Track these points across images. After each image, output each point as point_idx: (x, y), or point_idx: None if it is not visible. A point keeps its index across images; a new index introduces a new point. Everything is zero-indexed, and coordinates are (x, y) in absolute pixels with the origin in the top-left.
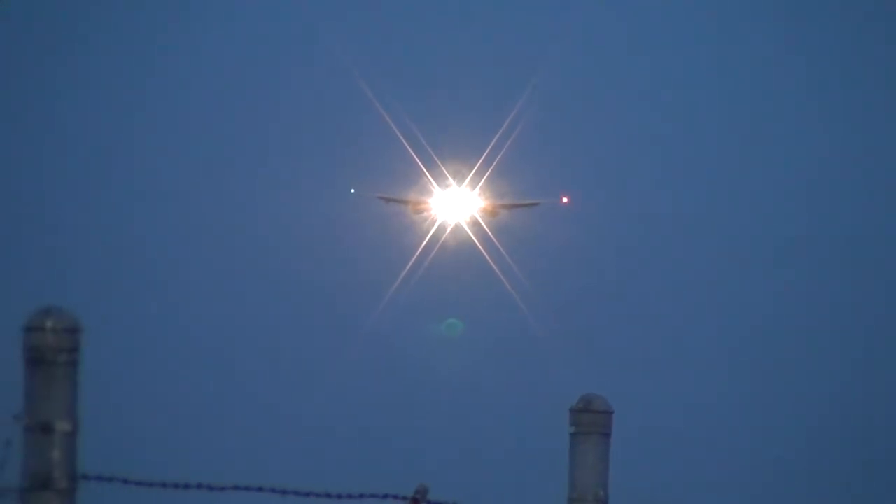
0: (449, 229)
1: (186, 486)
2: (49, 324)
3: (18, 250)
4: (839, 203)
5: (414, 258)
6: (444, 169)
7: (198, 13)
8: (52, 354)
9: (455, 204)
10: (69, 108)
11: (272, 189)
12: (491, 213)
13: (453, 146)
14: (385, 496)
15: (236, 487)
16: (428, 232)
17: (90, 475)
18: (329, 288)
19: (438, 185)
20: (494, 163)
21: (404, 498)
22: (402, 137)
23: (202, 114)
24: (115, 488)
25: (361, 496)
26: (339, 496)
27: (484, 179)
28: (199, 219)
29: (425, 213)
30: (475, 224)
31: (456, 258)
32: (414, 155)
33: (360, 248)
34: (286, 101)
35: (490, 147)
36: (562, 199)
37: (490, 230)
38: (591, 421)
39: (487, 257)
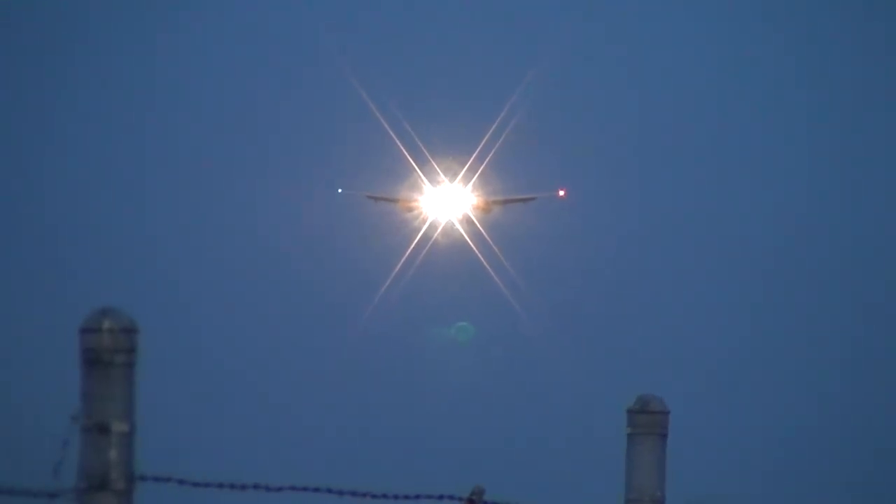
0: (440, 227)
1: (243, 487)
2: (106, 324)
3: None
4: (843, 196)
5: (404, 258)
6: (435, 165)
7: (193, 11)
8: (108, 355)
9: (447, 201)
10: (64, 111)
11: (264, 188)
12: (485, 210)
13: (445, 142)
14: (441, 497)
15: (293, 488)
16: (419, 231)
17: (147, 476)
18: (319, 288)
19: (430, 182)
20: (488, 158)
21: (460, 499)
22: (392, 134)
23: (196, 111)
24: (172, 489)
25: (418, 497)
26: (396, 497)
27: (477, 175)
28: (194, 218)
29: (416, 212)
30: (468, 222)
31: (448, 257)
32: (405, 151)
33: (348, 249)
34: (277, 99)
35: (483, 142)
36: (558, 192)
37: (483, 227)
38: (648, 422)
39: (480, 255)
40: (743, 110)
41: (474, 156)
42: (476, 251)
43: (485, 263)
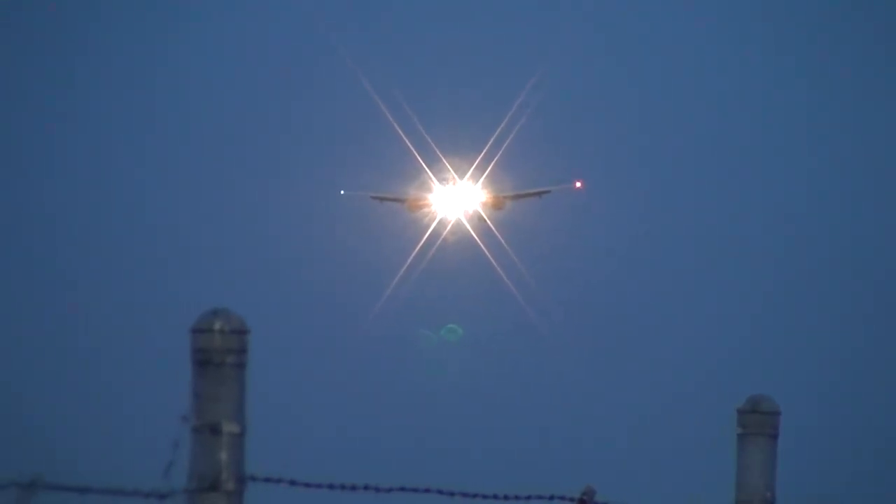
0: (449, 226)
1: (353, 488)
2: (217, 325)
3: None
4: (849, 189)
5: (410, 260)
6: (445, 162)
7: (198, 9)
8: (219, 356)
9: (457, 199)
10: (66, 112)
11: (270, 188)
12: (496, 206)
13: (454, 138)
14: (552, 497)
15: (403, 489)
16: (426, 231)
17: (257, 476)
18: (328, 291)
19: (438, 179)
20: (499, 154)
21: (571, 499)
22: (400, 132)
23: (201, 110)
24: (282, 490)
25: (528, 497)
26: (506, 497)
27: (487, 172)
28: (198, 217)
29: (424, 211)
30: (479, 219)
31: (457, 257)
32: (412, 148)
33: (354, 251)
34: (285, 99)
35: (493, 138)
36: (574, 184)
37: (494, 225)
38: (758, 422)
39: (489, 254)
40: (756, 106)
41: (484, 152)
42: (485, 249)
43: (493, 261)
